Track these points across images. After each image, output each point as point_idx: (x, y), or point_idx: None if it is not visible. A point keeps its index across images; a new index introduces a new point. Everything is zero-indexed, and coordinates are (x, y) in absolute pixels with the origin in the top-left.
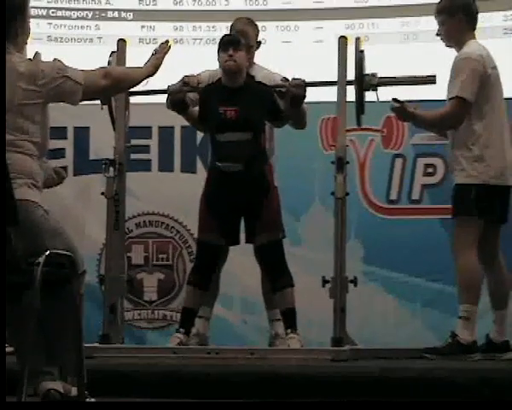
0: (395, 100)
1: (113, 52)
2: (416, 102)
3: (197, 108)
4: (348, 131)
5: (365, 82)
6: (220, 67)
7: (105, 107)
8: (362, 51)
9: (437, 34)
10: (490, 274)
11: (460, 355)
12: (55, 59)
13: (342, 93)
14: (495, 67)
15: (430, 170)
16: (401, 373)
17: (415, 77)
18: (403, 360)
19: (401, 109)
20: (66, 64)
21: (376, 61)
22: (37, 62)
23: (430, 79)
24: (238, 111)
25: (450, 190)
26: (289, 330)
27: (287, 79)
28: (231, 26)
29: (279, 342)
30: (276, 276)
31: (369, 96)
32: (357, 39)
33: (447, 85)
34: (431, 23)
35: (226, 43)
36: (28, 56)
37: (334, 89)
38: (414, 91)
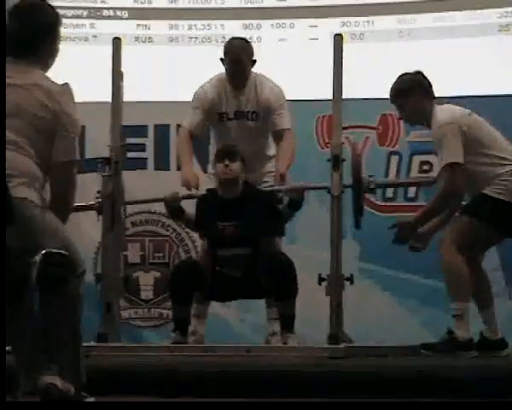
0: (394, 225)
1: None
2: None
3: (192, 213)
4: (344, 128)
5: (363, 186)
6: (216, 177)
7: (101, 105)
8: (359, 155)
9: (399, 118)
10: (473, 275)
11: (456, 352)
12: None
13: (338, 91)
14: (469, 114)
15: (426, 167)
16: (397, 370)
17: (412, 180)
18: (399, 358)
19: (401, 231)
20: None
21: (372, 59)
22: (64, 89)
23: (429, 181)
24: (237, 227)
25: None
26: (285, 331)
27: (283, 179)
28: (225, 48)
29: (275, 340)
30: (283, 287)
31: (363, 92)
32: (354, 144)
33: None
34: (426, 20)
35: (223, 154)
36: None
37: (330, 88)
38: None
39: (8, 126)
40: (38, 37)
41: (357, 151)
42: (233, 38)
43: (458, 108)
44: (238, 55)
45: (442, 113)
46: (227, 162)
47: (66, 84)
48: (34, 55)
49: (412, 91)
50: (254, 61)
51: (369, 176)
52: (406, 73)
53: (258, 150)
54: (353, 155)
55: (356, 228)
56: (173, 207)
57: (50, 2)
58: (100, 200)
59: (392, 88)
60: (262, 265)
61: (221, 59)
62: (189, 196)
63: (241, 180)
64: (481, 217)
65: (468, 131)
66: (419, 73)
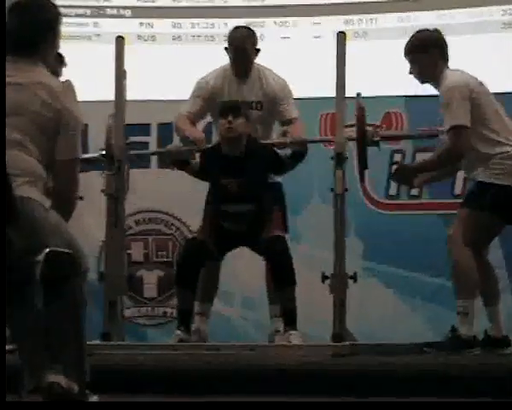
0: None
1: (110, 115)
2: None
3: (196, 162)
4: (347, 126)
5: (367, 138)
6: (219, 133)
7: (104, 104)
8: (362, 108)
9: (410, 73)
10: (480, 271)
11: (460, 350)
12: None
13: (341, 89)
14: (482, 84)
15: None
16: (401, 369)
17: (417, 133)
18: (403, 356)
19: (400, 170)
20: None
21: (375, 57)
22: (66, 87)
23: (433, 134)
24: (240, 183)
25: (449, 185)
26: (288, 328)
27: (285, 133)
28: (229, 37)
29: (278, 338)
30: (282, 272)
31: (367, 90)
32: (358, 95)
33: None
34: (429, 18)
35: (226, 110)
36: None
37: (333, 85)
38: None
39: (10, 125)
40: (39, 34)
41: (360, 104)
42: (237, 27)
43: (470, 75)
44: (242, 43)
45: (453, 76)
46: (230, 119)
47: (67, 81)
48: (35, 52)
49: (428, 48)
50: (258, 49)
51: (375, 128)
52: (425, 30)
53: (266, 134)
54: (357, 108)
55: (361, 182)
56: (177, 163)
57: (52, 0)
58: (103, 152)
59: (408, 42)
60: (260, 251)
61: (225, 48)
62: (193, 150)
63: (244, 137)
64: (482, 207)
65: (476, 99)
66: (437, 32)
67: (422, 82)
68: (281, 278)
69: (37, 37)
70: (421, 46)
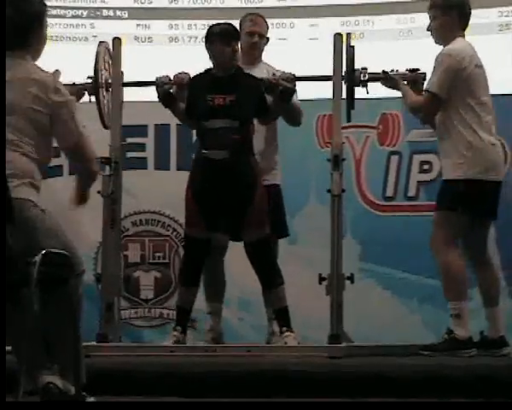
0: (384, 72)
1: (101, 42)
2: None
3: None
4: (344, 128)
5: (355, 78)
6: (216, 58)
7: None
8: (352, 47)
9: (427, 29)
10: (479, 271)
11: (457, 351)
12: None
13: (338, 90)
14: (479, 66)
15: (426, 167)
16: (398, 370)
17: (405, 73)
18: (399, 357)
19: (390, 81)
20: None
21: (371, 59)
22: (54, 78)
23: (420, 75)
24: (226, 98)
25: None
26: (284, 329)
27: (274, 75)
28: (241, 22)
29: (275, 339)
30: (266, 274)
31: (364, 93)
32: (348, 35)
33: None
34: (426, 20)
35: (228, 37)
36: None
37: (330, 86)
38: None
39: (6, 125)
40: (26, 27)
41: (350, 42)
42: (248, 13)
43: (475, 51)
44: (254, 25)
45: (457, 43)
46: (235, 47)
47: (56, 71)
48: (23, 46)
49: (449, 10)
50: (267, 38)
51: (362, 68)
52: None
53: (267, 134)
54: (347, 47)
55: (347, 121)
56: (164, 91)
57: (51, 3)
58: (90, 81)
59: None
60: (246, 252)
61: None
62: (181, 81)
63: (234, 62)
64: (453, 207)
65: (469, 76)
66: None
67: (436, 42)
68: (267, 281)
69: (26, 30)
70: (443, 6)
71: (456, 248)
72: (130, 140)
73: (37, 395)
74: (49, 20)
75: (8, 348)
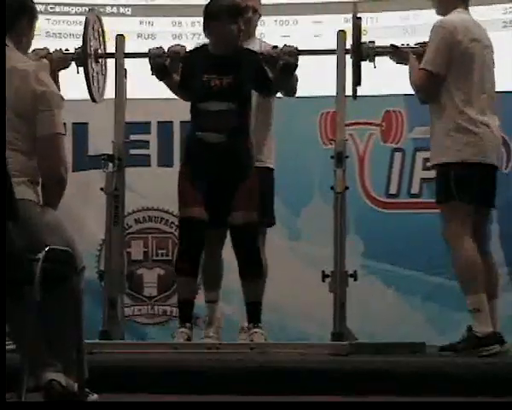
0: (393, 46)
1: (90, 10)
2: None
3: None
4: (347, 125)
5: (363, 51)
6: (220, 36)
7: (102, 103)
8: (359, 18)
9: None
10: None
11: (477, 350)
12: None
13: (341, 87)
14: (476, 40)
15: (429, 164)
16: (401, 368)
17: (415, 46)
18: (403, 355)
19: (399, 53)
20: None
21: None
22: (39, 66)
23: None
24: (224, 80)
25: None
26: (251, 325)
27: (276, 47)
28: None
29: (242, 336)
30: (246, 263)
31: (368, 90)
32: (355, 4)
33: None
34: (430, 17)
35: (235, 14)
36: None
37: (334, 84)
38: None
39: None
40: (11, 17)
41: (356, 14)
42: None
43: (475, 25)
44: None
45: (453, 15)
46: (242, 26)
47: (40, 59)
48: (8, 36)
49: None
50: (260, 14)
51: (370, 42)
52: None
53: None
54: (353, 18)
55: (353, 98)
56: (158, 64)
57: (55, 0)
58: (76, 49)
59: None
60: (230, 234)
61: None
62: (176, 54)
63: (239, 41)
64: (449, 196)
65: (462, 48)
66: None
67: (437, 13)
68: (246, 270)
69: (11, 20)
70: None
71: (469, 239)
72: (133, 137)
73: (41, 392)
74: (53, 17)
75: (11, 346)
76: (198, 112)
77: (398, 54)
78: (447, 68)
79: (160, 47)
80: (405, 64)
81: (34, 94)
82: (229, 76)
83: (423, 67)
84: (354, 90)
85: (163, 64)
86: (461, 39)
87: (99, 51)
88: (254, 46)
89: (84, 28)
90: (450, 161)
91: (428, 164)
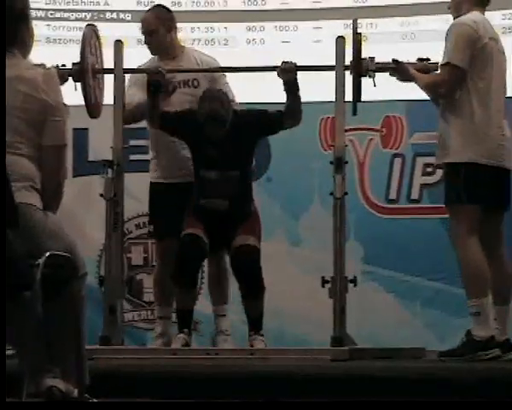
0: (394, 60)
1: (88, 25)
2: None
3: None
4: (347, 130)
5: (362, 67)
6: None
7: (103, 108)
8: (359, 34)
9: (448, 8)
10: (491, 267)
11: (476, 354)
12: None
13: (340, 93)
14: (494, 39)
15: (429, 169)
16: (401, 373)
17: (416, 62)
18: (403, 360)
19: (401, 69)
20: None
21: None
22: (47, 75)
23: (432, 66)
24: (224, 150)
25: None
26: (252, 333)
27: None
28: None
29: (222, 338)
30: (251, 282)
31: (367, 95)
32: (355, 21)
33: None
34: (430, 23)
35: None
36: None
37: (333, 89)
38: None
39: None
40: (12, 26)
41: (356, 29)
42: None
43: (490, 26)
44: (142, 28)
45: (471, 15)
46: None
47: (49, 69)
48: (13, 45)
49: None
50: (168, 25)
51: (370, 58)
52: None
53: None
54: (353, 34)
55: (353, 114)
56: (155, 82)
57: (55, 6)
58: (75, 64)
59: None
60: (231, 258)
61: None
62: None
63: (229, 115)
64: (458, 197)
65: (482, 44)
66: None
67: (452, 15)
68: (249, 291)
69: (12, 29)
70: None
71: (476, 241)
72: (132, 142)
73: (40, 399)
74: (53, 23)
75: (10, 351)
76: (200, 179)
77: (399, 70)
78: (469, 64)
79: (160, 67)
80: (407, 81)
81: (43, 103)
82: (229, 146)
83: (447, 61)
84: (354, 108)
85: (160, 85)
86: (481, 34)
87: (96, 66)
88: (189, 59)
89: (82, 44)
90: (460, 161)
91: (435, 162)
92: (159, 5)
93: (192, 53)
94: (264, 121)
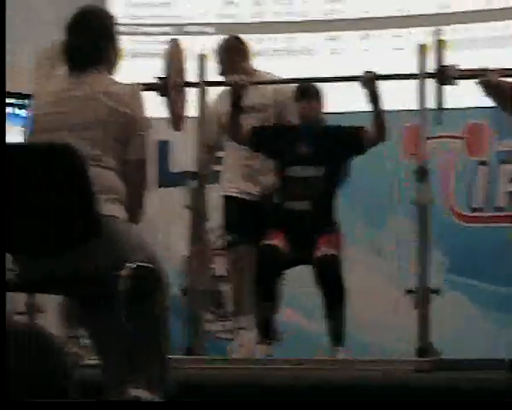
0: (482, 69)
1: (172, 39)
2: None
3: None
4: (429, 138)
5: (445, 74)
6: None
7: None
8: (442, 41)
9: None
10: None
11: None
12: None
13: (422, 101)
14: None
15: None
16: (487, 385)
17: (504, 69)
18: (488, 371)
19: (487, 82)
20: None
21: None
22: (132, 90)
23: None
24: (311, 146)
25: None
26: (335, 343)
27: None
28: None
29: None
30: (335, 293)
31: (451, 102)
32: (437, 30)
33: None
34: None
35: (302, 93)
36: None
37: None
38: None
39: (84, 139)
40: (99, 44)
41: (439, 36)
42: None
43: None
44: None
45: None
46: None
47: (134, 84)
48: (99, 62)
49: None
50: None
51: (454, 65)
52: None
53: None
54: (436, 41)
55: (437, 123)
56: (240, 95)
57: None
58: (160, 78)
59: None
60: (314, 265)
61: None
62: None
63: (319, 119)
64: None
65: None
66: None
67: None
68: (333, 301)
69: (99, 47)
70: None
71: None
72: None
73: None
74: (138, 38)
75: (94, 361)
76: (283, 178)
77: (488, 78)
78: None
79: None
80: (494, 91)
81: (127, 117)
82: (317, 142)
83: None
84: (438, 116)
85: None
86: None
87: (179, 80)
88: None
89: (166, 59)
90: None
91: None
92: (235, 37)
93: (264, 77)
94: (352, 138)
